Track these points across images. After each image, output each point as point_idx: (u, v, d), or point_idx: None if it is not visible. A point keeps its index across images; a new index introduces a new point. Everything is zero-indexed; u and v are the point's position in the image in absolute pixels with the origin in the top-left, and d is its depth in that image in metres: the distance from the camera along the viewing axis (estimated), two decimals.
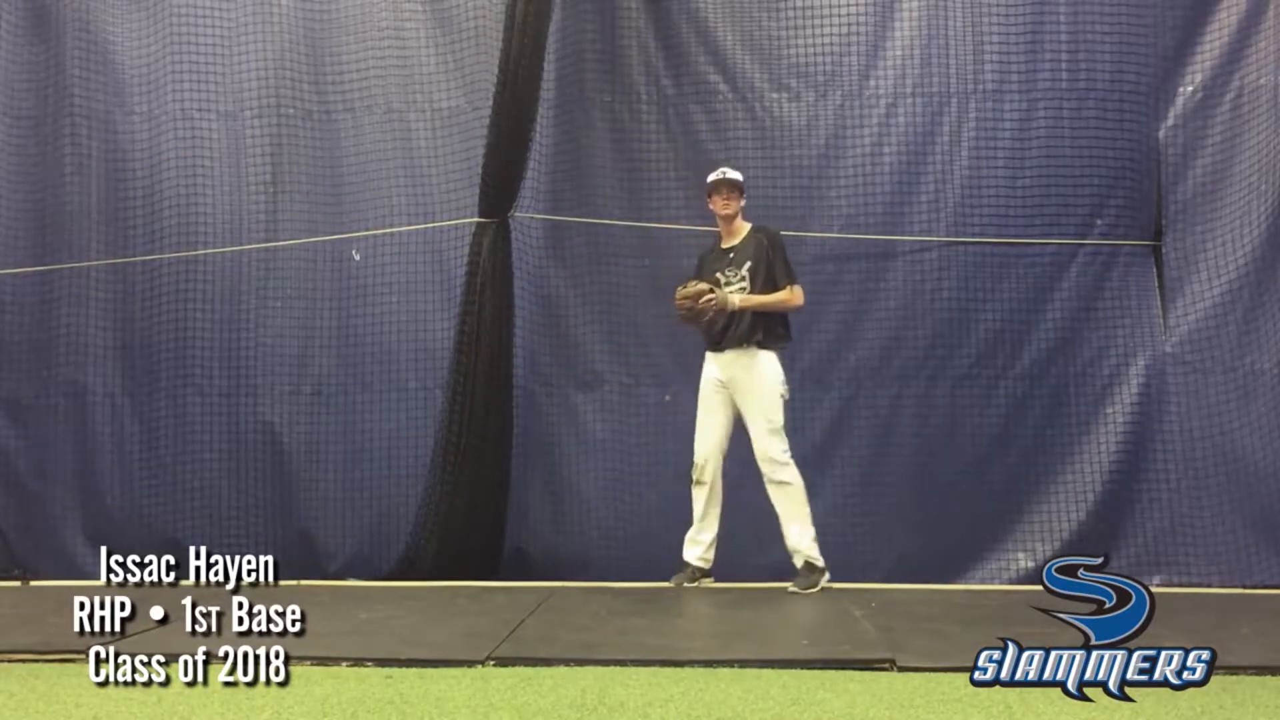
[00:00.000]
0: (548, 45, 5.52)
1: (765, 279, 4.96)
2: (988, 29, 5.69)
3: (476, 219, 5.53)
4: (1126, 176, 5.63)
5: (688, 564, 5.04)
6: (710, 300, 4.85)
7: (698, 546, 5.05)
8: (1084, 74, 5.65)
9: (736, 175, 5.10)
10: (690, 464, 5.06)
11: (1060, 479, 5.55)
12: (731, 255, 5.04)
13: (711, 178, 5.09)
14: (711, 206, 5.11)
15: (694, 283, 4.93)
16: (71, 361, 5.86)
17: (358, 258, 5.82)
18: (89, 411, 5.84)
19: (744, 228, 5.09)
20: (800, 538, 4.88)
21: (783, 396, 4.95)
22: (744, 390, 4.95)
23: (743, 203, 5.09)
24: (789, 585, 4.85)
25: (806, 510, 4.90)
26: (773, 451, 4.89)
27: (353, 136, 5.88)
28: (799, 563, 4.90)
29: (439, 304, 5.71)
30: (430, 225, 5.76)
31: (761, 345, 4.94)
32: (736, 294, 4.92)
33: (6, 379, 5.89)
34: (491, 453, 5.50)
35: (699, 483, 5.03)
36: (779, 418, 4.92)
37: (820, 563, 4.90)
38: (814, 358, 5.69)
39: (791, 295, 4.98)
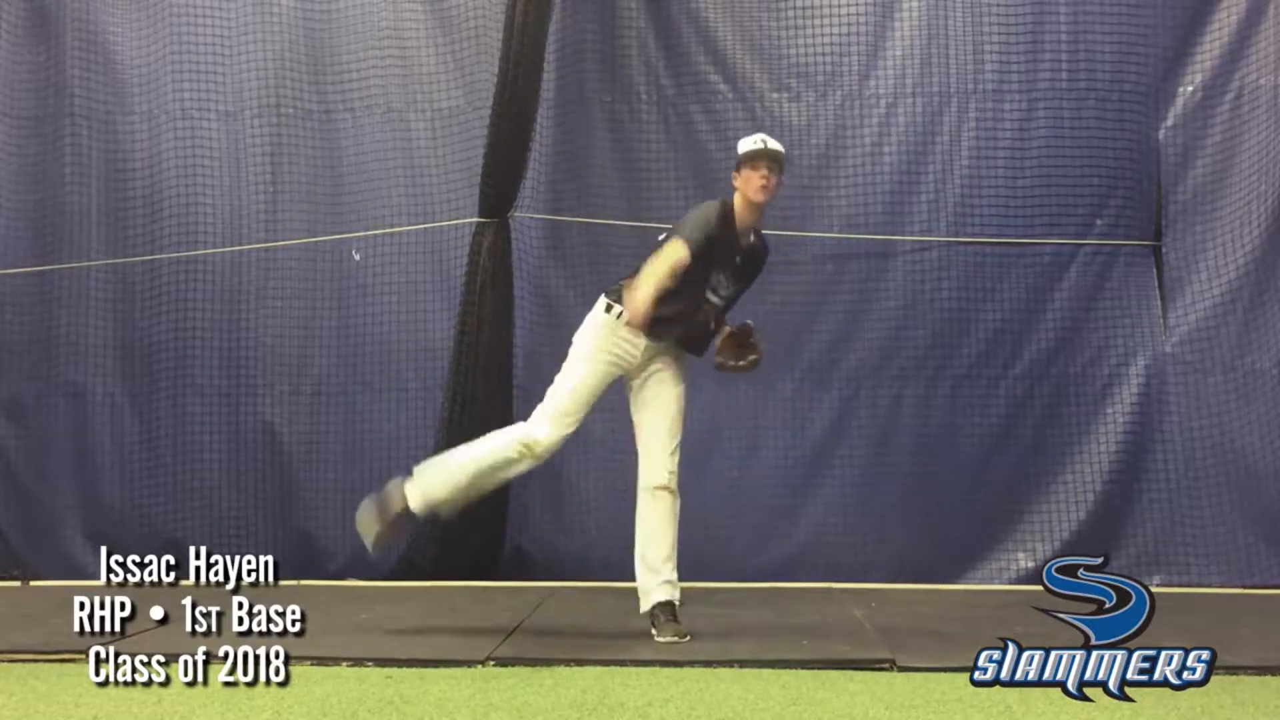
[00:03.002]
0: (548, 45, 5.52)
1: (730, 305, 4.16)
2: (988, 29, 5.69)
3: (476, 219, 5.54)
4: (1126, 176, 5.63)
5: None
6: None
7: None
8: (1084, 74, 5.65)
9: (780, 147, 4.08)
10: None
11: (1060, 479, 5.54)
12: (740, 262, 4.06)
13: (750, 145, 4.02)
14: (742, 182, 3.99)
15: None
16: (71, 361, 5.85)
17: (358, 258, 5.82)
18: (89, 411, 5.84)
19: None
20: (674, 573, 4.04)
21: None
22: (675, 383, 4.12)
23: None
24: (654, 634, 3.97)
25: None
26: (675, 461, 4.06)
27: (353, 136, 5.87)
28: (658, 601, 4.00)
29: (439, 304, 5.71)
30: (430, 225, 5.76)
31: None
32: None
33: (6, 379, 5.88)
34: None
35: (530, 460, 4.02)
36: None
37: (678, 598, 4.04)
38: (814, 358, 5.69)
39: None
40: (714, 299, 4.07)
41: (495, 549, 5.58)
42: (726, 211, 4.00)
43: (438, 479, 4.05)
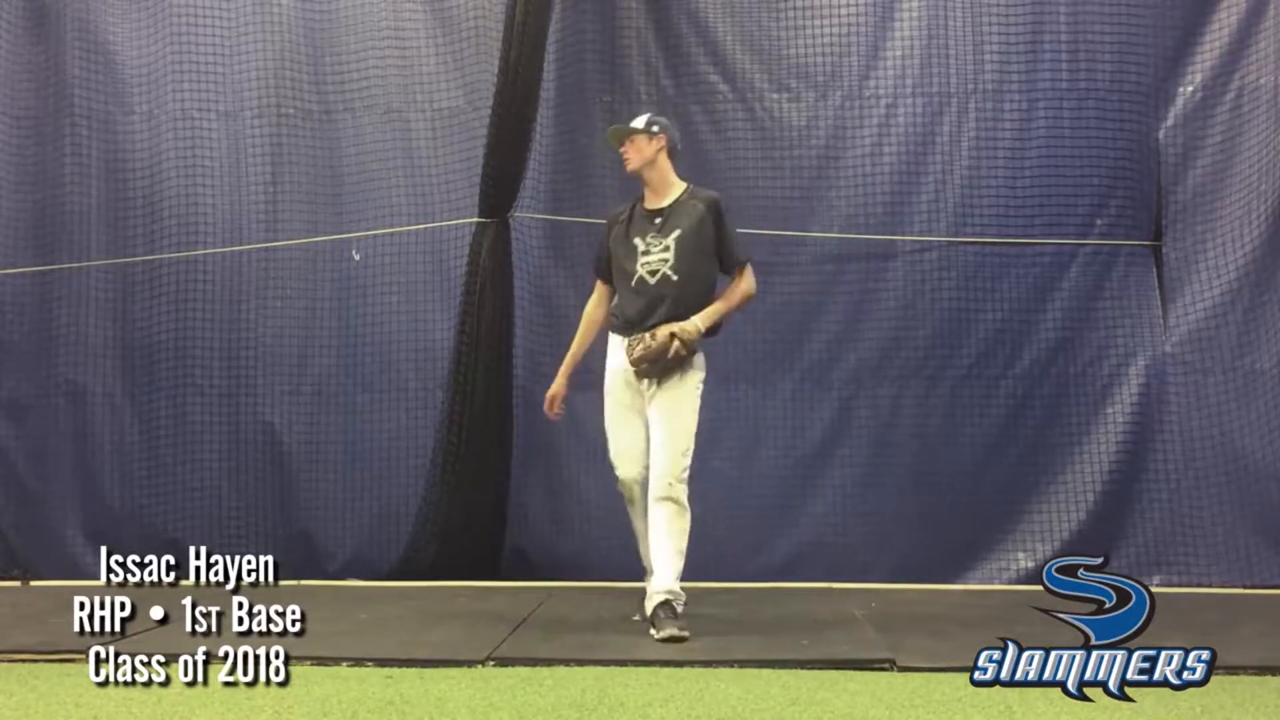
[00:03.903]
0: (548, 45, 5.52)
1: (698, 253, 4.19)
2: (988, 29, 5.68)
3: (476, 219, 5.54)
4: (1126, 176, 5.63)
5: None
6: (677, 347, 4.10)
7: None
8: (1084, 74, 5.65)
9: (634, 122, 4.34)
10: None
11: (1060, 479, 5.54)
12: (659, 220, 4.24)
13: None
14: None
15: (648, 338, 4.12)
16: (71, 361, 5.85)
17: (358, 258, 5.82)
18: (89, 411, 5.84)
19: (675, 187, 4.32)
20: (671, 577, 4.10)
21: (700, 396, 4.24)
22: (660, 387, 4.19)
23: (655, 147, 4.28)
24: (654, 632, 4.00)
25: (684, 544, 4.15)
26: (676, 470, 4.13)
27: (353, 136, 5.87)
28: (656, 602, 4.06)
29: (439, 304, 5.71)
30: (430, 225, 5.76)
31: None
32: (698, 318, 4.14)
33: (6, 379, 5.88)
34: (491, 453, 5.51)
35: (631, 502, 4.29)
36: (693, 431, 4.19)
37: (681, 601, 4.11)
38: (814, 358, 5.68)
39: (746, 285, 4.27)
40: (650, 260, 4.21)
41: (495, 549, 5.58)
42: (618, 211, 4.43)
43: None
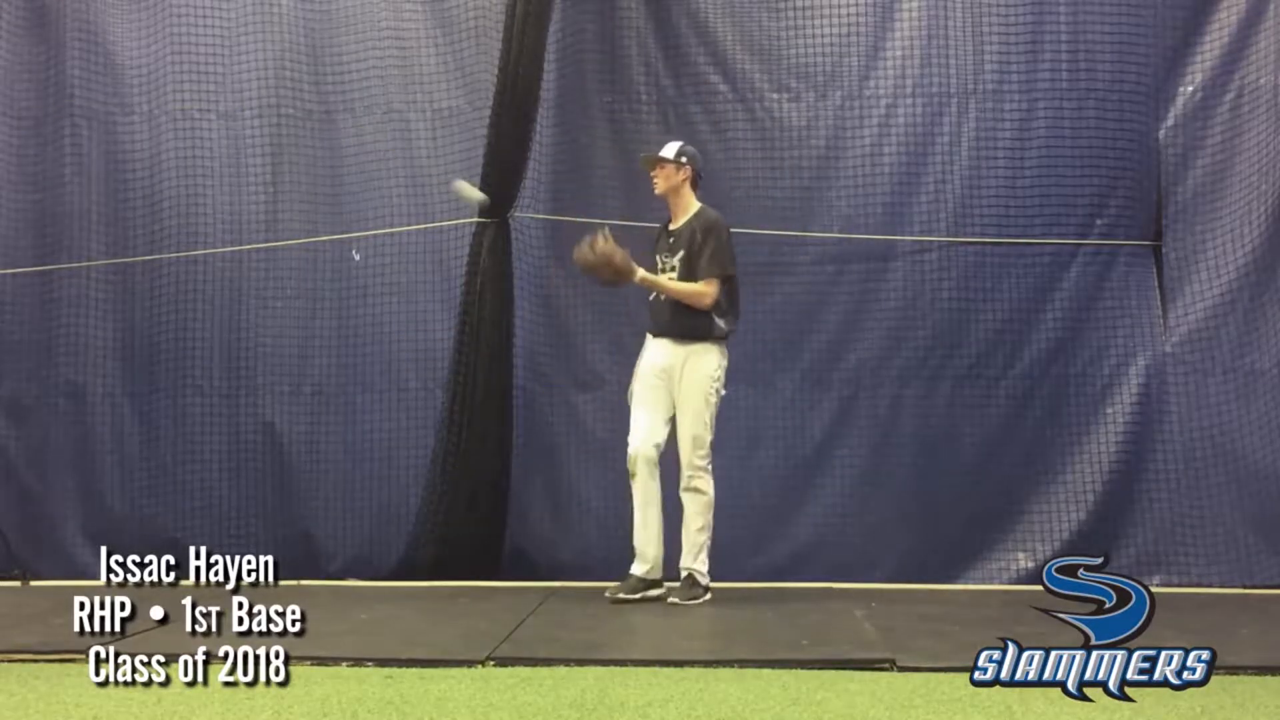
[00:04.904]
0: (548, 45, 5.52)
1: (695, 272, 4.74)
2: (988, 29, 5.69)
3: (476, 219, 5.53)
4: (1126, 176, 5.63)
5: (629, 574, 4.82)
6: (609, 258, 4.59)
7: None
8: (1084, 74, 5.65)
9: (665, 151, 4.86)
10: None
11: (1060, 479, 5.54)
12: (672, 240, 4.84)
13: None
14: None
15: (602, 241, 4.63)
16: (71, 361, 5.85)
17: (358, 258, 5.82)
18: (89, 411, 5.84)
19: (691, 208, 4.86)
20: (693, 557, 4.77)
21: (718, 392, 4.76)
22: (680, 383, 4.75)
23: (682, 176, 4.83)
24: (670, 597, 4.72)
25: (709, 521, 4.77)
26: (695, 456, 4.73)
27: (353, 136, 5.87)
28: (682, 576, 4.78)
29: (439, 304, 5.71)
30: (430, 225, 5.76)
31: (703, 337, 4.74)
32: (644, 272, 4.70)
33: (6, 379, 5.88)
34: (491, 453, 5.51)
35: (633, 476, 4.78)
36: (708, 422, 4.74)
37: (705, 580, 4.77)
38: (814, 358, 5.69)
39: (701, 287, 4.70)
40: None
41: (495, 549, 5.58)
42: (658, 229, 5.00)
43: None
